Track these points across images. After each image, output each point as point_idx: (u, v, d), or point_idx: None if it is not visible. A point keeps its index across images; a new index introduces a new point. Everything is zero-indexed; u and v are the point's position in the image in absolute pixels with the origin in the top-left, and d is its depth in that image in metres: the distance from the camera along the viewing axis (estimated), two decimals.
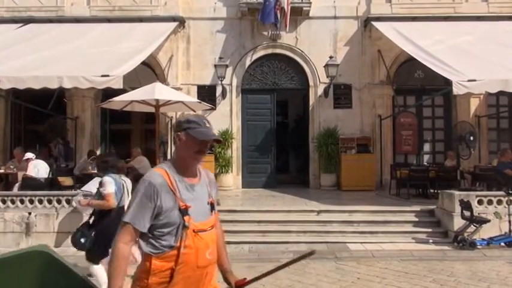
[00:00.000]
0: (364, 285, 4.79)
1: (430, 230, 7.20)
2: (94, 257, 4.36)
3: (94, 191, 5.09)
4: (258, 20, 11.02)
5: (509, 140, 11.66)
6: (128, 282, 1.96)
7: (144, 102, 8.23)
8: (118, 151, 12.10)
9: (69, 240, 7.03)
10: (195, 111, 10.42)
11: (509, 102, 11.75)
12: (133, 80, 8.97)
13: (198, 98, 10.42)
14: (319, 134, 11.40)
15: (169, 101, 8.26)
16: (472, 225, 6.69)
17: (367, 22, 11.39)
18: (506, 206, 6.81)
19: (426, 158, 11.90)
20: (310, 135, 11.75)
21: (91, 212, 4.72)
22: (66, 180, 8.38)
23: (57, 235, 6.97)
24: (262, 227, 7.37)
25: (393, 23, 10.85)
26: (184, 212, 1.90)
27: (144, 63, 10.24)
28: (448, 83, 7.61)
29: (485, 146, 11.43)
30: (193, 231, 1.91)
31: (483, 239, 6.55)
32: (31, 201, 7.17)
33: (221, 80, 11.31)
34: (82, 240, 4.40)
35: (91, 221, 4.58)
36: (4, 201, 7.17)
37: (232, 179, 11.31)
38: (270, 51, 11.79)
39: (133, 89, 8.48)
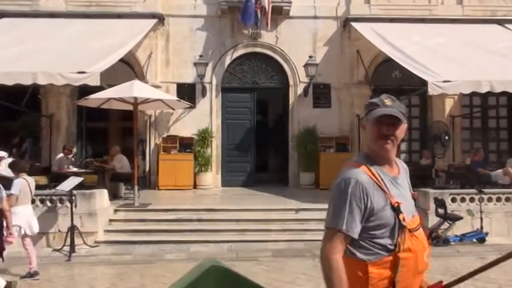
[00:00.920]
0: None
1: None
2: None
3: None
4: (239, 20, 11.01)
5: (482, 139, 12.03)
6: None
7: (122, 100, 8.12)
8: (95, 149, 11.94)
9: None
10: (174, 110, 10.38)
11: (482, 103, 12.11)
12: (111, 77, 8.82)
13: (177, 96, 10.33)
14: (299, 133, 11.49)
15: (148, 99, 8.17)
16: (446, 223, 6.89)
17: (346, 23, 11.53)
18: (478, 203, 7.04)
19: (403, 156, 12.10)
20: (289, 134, 11.82)
21: None
22: (41, 179, 8.17)
23: None
24: (241, 226, 7.37)
25: (371, 24, 11.01)
26: (397, 209, 1.66)
27: (122, 60, 10.08)
28: (424, 83, 7.79)
29: (459, 145, 11.74)
30: (409, 231, 1.68)
31: (456, 236, 6.74)
32: None
33: (201, 79, 11.25)
34: None
35: None
36: None
37: (212, 177, 11.28)
38: (250, 50, 11.79)
39: (111, 86, 8.35)
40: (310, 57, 11.28)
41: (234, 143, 11.81)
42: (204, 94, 11.52)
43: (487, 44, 9.87)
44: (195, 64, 11.24)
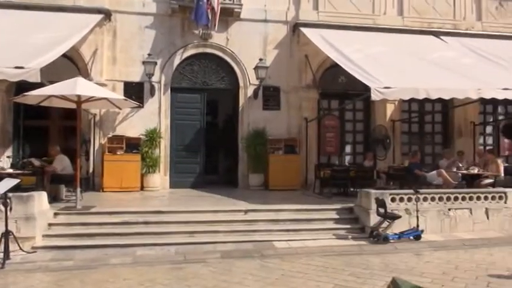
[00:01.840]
0: (287, 281, 4.97)
1: (349, 226, 7.66)
2: None
3: None
4: (191, 19, 10.89)
5: (419, 142, 12.87)
6: None
7: (64, 97, 7.73)
8: (33, 149, 11.24)
9: None
10: (120, 109, 10.05)
11: (420, 109, 12.93)
12: (52, 73, 8.35)
13: (124, 95, 10.01)
14: (248, 135, 11.59)
15: (93, 97, 7.84)
16: (385, 221, 7.27)
17: (295, 27, 11.81)
18: (415, 203, 7.50)
19: (347, 158, 12.64)
20: (239, 135, 11.88)
21: None
22: None
23: None
24: (190, 228, 7.29)
25: (319, 30, 11.38)
26: None
27: (65, 55, 9.63)
28: (367, 89, 8.16)
29: (399, 148, 12.46)
30: None
31: (395, 234, 7.13)
32: None
33: (149, 78, 11.00)
34: None
35: None
36: None
37: (160, 179, 11.05)
38: (200, 50, 11.71)
39: (52, 83, 7.90)
40: (261, 59, 11.43)
41: (183, 143, 11.66)
42: (152, 93, 11.27)
43: (424, 53, 10.56)
44: (143, 62, 10.97)
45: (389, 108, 12.30)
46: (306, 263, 5.76)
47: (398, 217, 7.28)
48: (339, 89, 12.12)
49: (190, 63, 11.78)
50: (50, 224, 7.06)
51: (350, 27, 11.64)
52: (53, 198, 8.27)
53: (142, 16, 11.39)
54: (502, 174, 9.34)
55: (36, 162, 9.10)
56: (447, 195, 7.91)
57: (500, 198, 8.08)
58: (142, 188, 10.75)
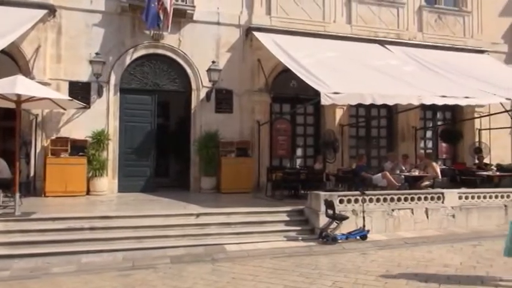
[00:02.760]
0: (238, 284, 4.98)
1: (299, 228, 7.81)
2: None
3: None
4: (143, 19, 10.61)
5: (366, 146, 13.43)
6: None
7: (2, 96, 7.23)
8: None
9: None
10: (65, 110, 9.59)
11: (366, 114, 13.51)
12: None
13: (70, 95, 9.56)
14: (201, 137, 11.50)
15: (34, 96, 7.41)
16: (334, 222, 7.50)
17: (248, 31, 11.90)
18: (361, 204, 7.81)
19: (298, 161, 12.91)
20: (191, 138, 11.76)
21: None
22: None
23: None
24: (139, 233, 7.09)
25: (272, 35, 11.56)
26: None
27: (4, 52, 9.07)
28: (317, 94, 8.38)
29: (347, 151, 12.93)
30: None
31: (343, 234, 7.37)
32: None
33: (97, 77, 10.60)
34: None
35: None
36: None
37: (108, 183, 10.65)
38: (151, 51, 11.46)
39: None
40: (213, 62, 11.40)
41: (132, 146, 11.33)
42: (100, 94, 10.85)
43: (371, 60, 11.05)
44: (90, 62, 10.56)
45: (338, 113, 12.74)
46: (257, 265, 5.81)
47: (346, 218, 7.54)
48: (291, 93, 12.36)
49: (141, 64, 11.49)
50: None
51: (301, 33, 11.93)
52: None
53: (90, 13, 10.95)
54: (440, 176, 9.96)
55: None
56: (391, 196, 8.31)
57: (439, 198, 8.61)
58: (88, 192, 10.31)
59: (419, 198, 8.47)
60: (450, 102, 9.02)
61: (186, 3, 11.41)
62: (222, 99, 11.86)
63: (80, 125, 10.63)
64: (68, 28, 10.80)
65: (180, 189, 11.87)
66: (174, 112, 14.82)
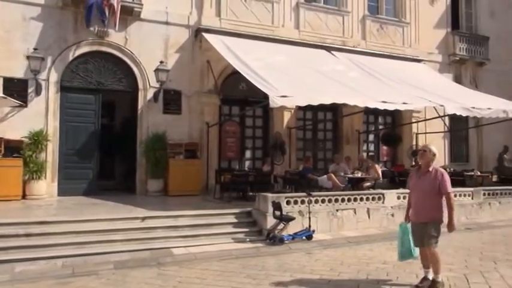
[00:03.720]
0: None
1: (247, 229, 7.86)
2: None
3: None
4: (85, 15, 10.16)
5: (312, 148, 13.81)
6: None
7: None
8: None
9: None
10: None
11: (313, 117, 13.90)
12: None
13: (3, 93, 8.97)
14: (148, 139, 11.21)
15: None
16: (281, 223, 7.64)
17: (197, 32, 11.81)
18: (307, 205, 8.01)
19: (247, 163, 13.00)
20: (138, 139, 11.43)
21: None
22: None
23: None
24: (81, 238, 6.77)
25: (221, 37, 11.55)
26: None
27: None
28: (266, 96, 8.49)
29: (295, 153, 13.22)
30: None
31: (289, 235, 7.52)
32: None
33: (35, 74, 10.00)
34: None
35: None
36: None
37: (46, 186, 10.06)
38: (95, 48, 11.00)
39: None
40: (161, 62, 11.18)
41: (74, 147, 10.79)
42: (38, 92, 10.23)
43: (318, 65, 11.39)
44: (28, 57, 9.94)
45: (287, 116, 13.00)
46: (205, 268, 5.77)
47: (293, 219, 7.70)
48: (240, 96, 12.42)
49: (85, 62, 11.00)
50: None
51: (251, 36, 12.04)
52: None
53: (27, 6, 10.30)
54: (381, 178, 10.48)
55: None
56: (335, 197, 8.61)
57: (379, 199, 9.06)
58: (24, 196, 9.67)
59: (361, 199, 8.85)
60: (390, 107, 9.52)
61: (133, 0, 11.09)
62: (171, 100, 11.65)
63: (16, 125, 9.95)
64: (2, 21, 10.07)
65: (126, 192, 11.49)
66: (120, 112, 14.33)
